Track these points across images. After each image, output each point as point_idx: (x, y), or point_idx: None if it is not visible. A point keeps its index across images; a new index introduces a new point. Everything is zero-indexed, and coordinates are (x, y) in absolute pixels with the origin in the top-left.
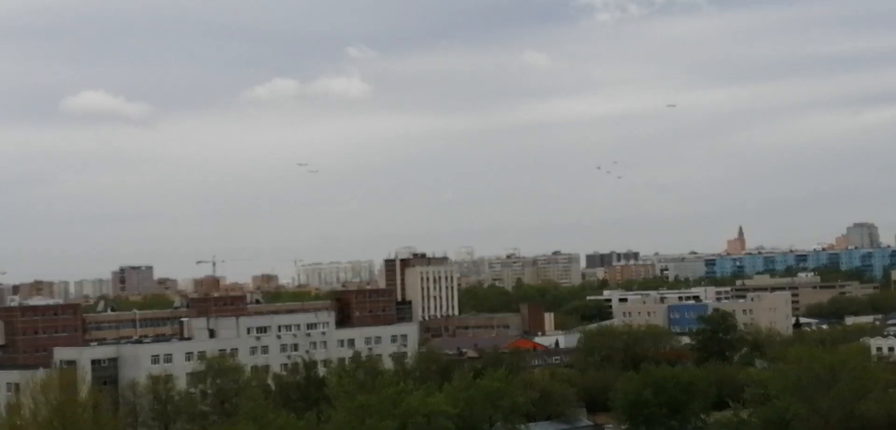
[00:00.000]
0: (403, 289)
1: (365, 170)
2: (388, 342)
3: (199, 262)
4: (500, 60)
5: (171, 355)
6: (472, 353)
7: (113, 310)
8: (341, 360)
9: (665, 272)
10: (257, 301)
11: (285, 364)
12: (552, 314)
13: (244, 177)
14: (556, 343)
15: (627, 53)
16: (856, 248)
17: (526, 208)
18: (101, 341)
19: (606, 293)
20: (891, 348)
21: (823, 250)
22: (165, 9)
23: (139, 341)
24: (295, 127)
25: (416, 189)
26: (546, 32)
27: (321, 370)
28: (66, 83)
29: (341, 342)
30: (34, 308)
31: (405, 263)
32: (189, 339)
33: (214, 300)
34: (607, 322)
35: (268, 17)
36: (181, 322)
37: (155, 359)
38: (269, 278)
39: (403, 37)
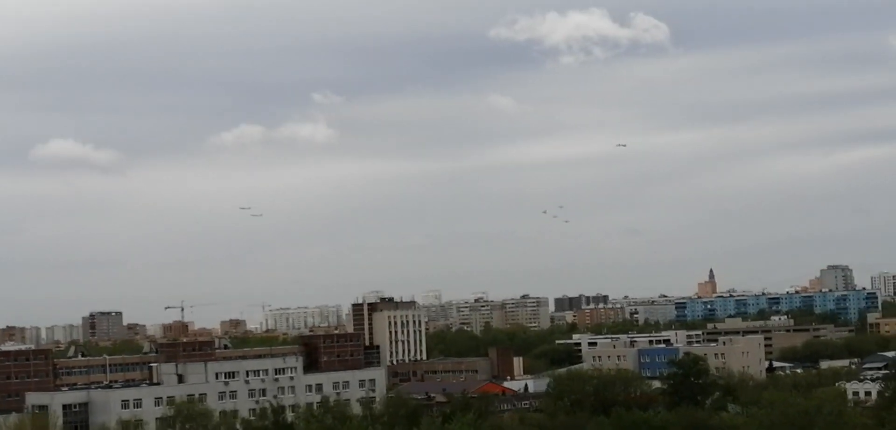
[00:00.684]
0: (371, 334)
1: (331, 215)
2: (356, 387)
3: (167, 307)
4: (465, 104)
5: (140, 400)
6: (440, 398)
7: (83, 355)
8: (309, 405)
9: (635, 316)
10: (225, 346)
11: (254, 409)
12: (521, 359)
13: (211, 223)
14: (526, 388)
15: (593, 96)
16: (830, 290)
17: (494, 252)
18: (72, 387)
19: (576, 337)
20: (867, 393)
21: (797, 292)
22: (132, 58)
23: (109, 387)
24: (261, 173)
25: (382, 234)
26: (511, 76)
27: (289, 415)
28: (36, 132)
29: (309, 387)
30: (6, 354)
31: (373, 307)
32: (158, 384)
33: (183, 346)
34: (577, 366)
35: (233, 64)
36: (150, 367)
37: (125, 404)
38: (236, 324)
39: (368, 82)
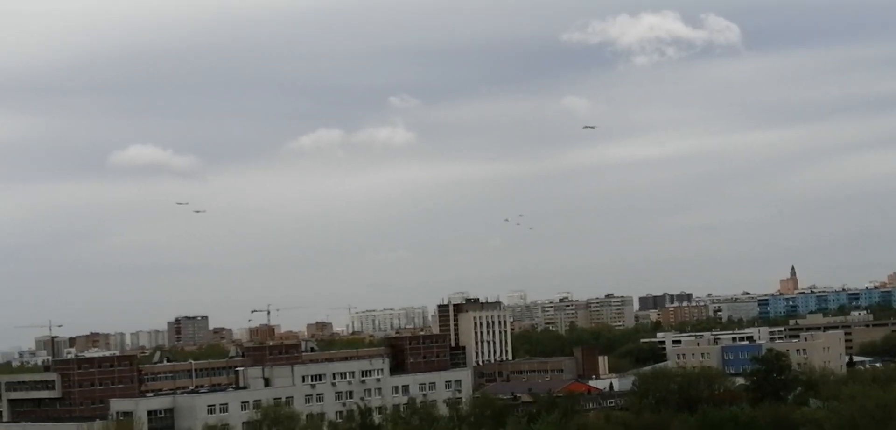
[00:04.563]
0: (457, 334)
1: (412, 217)
2: (442, 388)
3: (253, 311)
4: (541, 106)
5: (226, 404)
6: (526, 397)
7: (169, 360)
8: (396, 407)
9: (718, 313)
10: (312, 349)
11: (341, 412)
12: (606, 357)
13: (293, 226)
14: (611, 386)
15: (668, 97)
16: None
17: (576, 252)
18: (157, 392)
19: (660, 335)
20: None
21: (875, 288)
22: (211, 64)
23: (195, 392)
24: (340, 176)
25: (463, 235)
26: (585, 77)
27: (376, 417)
28: (114, 138)
29: (396, 389)
30: (90, 360)
31: (458, 308)
32: (244, 388)
33: (269, 349)
34: (661, 364)
35: (311, 69)
36: (237, 372)
37: (211, 409)
38: (323, 326)
39: (445, 86)
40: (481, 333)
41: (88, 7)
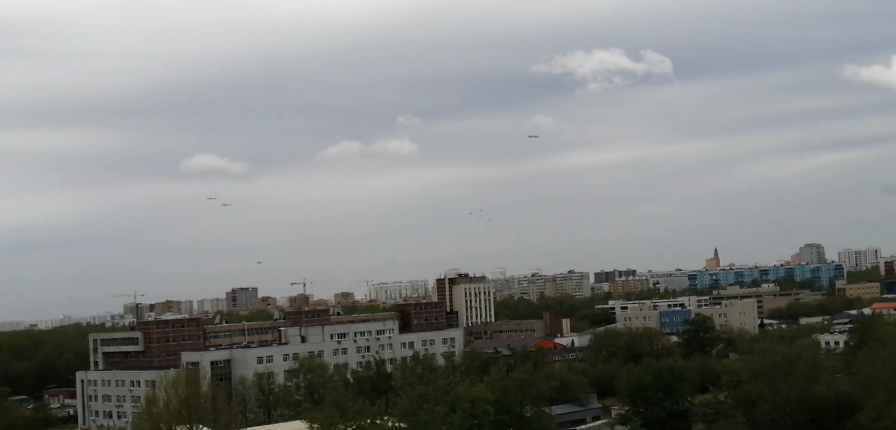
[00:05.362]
0: (451, 302)
1: (416, 210)
2: (440, 344)
3: (292, 284)
4: (516, 123)
5: (272, 356)
6: (505, 351)
7: (227, 322)
8: (404, 358)
9: (657, 285)
10: (338, 313)
11: (360, 362)
12: (568, 320)
13: (323, 217)
14: (572, 343)
15: (616, 116)
16: (807, 263)
17: (544, 237)
18: (218, 347)
19: (611, 303)
20: (836, 343)
21: (781, 265)
22: (259, 91)
23: (247, 346)
24: (360, 179)
25: (456, 224)
26: (550, 100)
27: (388, 367)
28: (183, 149)
29: (404, 344)
30: (166, 322)
31: (452, 281)
32: (286, 343)
33: (305, 313)
34: (612, 326)
35: (336, 95)
36: (280, 331)
37: (260, 360)
38: (346, 295)
39: (442, 107)
40: (470, 301)
41: (164, 47)
